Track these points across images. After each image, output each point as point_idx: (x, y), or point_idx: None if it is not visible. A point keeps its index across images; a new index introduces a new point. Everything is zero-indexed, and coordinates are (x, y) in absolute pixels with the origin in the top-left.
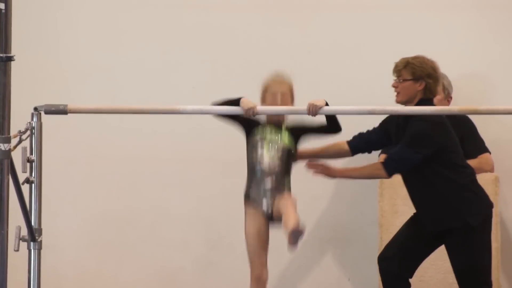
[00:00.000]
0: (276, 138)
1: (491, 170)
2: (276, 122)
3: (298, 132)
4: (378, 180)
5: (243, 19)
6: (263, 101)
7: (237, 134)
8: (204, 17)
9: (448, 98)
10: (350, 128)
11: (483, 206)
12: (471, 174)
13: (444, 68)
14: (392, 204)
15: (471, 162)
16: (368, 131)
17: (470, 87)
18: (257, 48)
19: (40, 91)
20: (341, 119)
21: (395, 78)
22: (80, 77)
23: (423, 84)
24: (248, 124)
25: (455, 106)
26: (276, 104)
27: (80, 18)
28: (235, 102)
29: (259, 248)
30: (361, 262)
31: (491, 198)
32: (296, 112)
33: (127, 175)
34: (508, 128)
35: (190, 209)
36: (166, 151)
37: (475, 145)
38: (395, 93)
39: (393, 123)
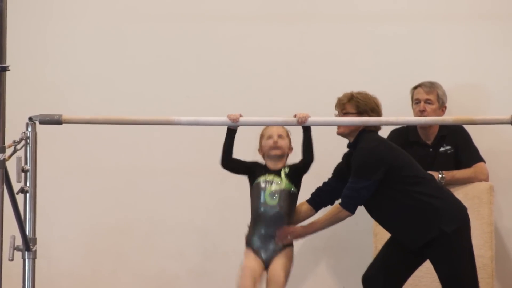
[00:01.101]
0: (276, 182)
1: (486, 179)
2: (275, 165)
3: (294, 172)
4: None
5: (238, 29)
6: (260, 149)
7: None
8: (199, 27)
9: (442, 108)
10: (344, 139)
11: (455, 211)
12: (432, 181)
13: (439, 78)
14: None
15: (466, 172)
16: (324, 183)
17: (465, 97)
18: (251, 57)
19: (35, 101)
20: (335, 129)
21: (337, 112)
22: (75, 88)
23: None
24: (251, 171)
25: (450, 117)
26: (272, 145)
27: (75, 29)
28: (228, 133)
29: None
30: (356, 270)
31: (486, 207)
32: (284, 124)
33: (122, 185)
34: (503, 138)
35: (185, 219)
36: (161, 161)
37: (470, 154)
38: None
39: (344, 164)
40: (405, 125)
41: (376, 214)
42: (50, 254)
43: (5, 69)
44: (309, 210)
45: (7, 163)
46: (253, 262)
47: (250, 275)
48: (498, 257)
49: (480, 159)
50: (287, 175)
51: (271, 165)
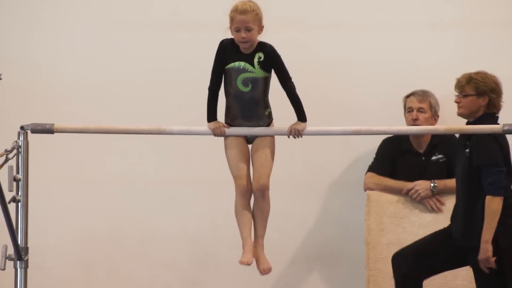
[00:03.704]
0: (248, 69)
1: None
2: (247, 50)
3: (268, 61)
4: (365, 198)
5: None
6: (231, 31)
7: (224, 154)
8: (191, 35)
9: (435, 117)
10: (336, 147)
11: None
12: None
13: (431, 86)
14: (379, 222)
15: None
16: None
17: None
18: None
19: (26, 110)
20: (326, 139)
21: (456, 94)
22: (67, 97)
23: (487, 99)
24: (223, 59)
25: (441, 126)
26: (240, 40)
27: (68, 38)
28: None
29: (241, 163)
30: (348, 280)
31: None
32: (277, 133)
33: (114, 194)
34: None
35: (177, 228)
36: (153, 170)
37: None
38: (458, 107)
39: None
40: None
41: (462, 193)
42: (42, 263)
43: None
44: None
45: None
46: (236, 142)
47: (237, 157)
48: None
49: None
50: (260, 62)
51: (242, 49)
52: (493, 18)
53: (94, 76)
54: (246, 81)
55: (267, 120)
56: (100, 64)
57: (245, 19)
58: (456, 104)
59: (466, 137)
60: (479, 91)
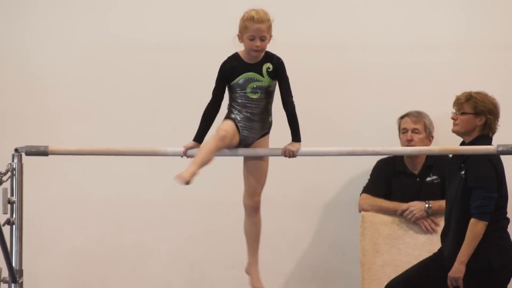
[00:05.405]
0: (258, 79)
1: None
2: (255, 59)
3: (277, 71)
4: (359, 219)
5: (222, 58)
6: (241, 39)
7: (219, 176)
8: (183, 56)
9: (429, 138)
10: (331, 168)
11: (509, 253)
12: (507, 220)
13: (425, 107)
14: (374, 243)
15: None
16: None
17: (452, 126)
18: None
19: (21, 132)
20: (321, 159)
21: (454, 111)
22: (61, 119)
23: (483, 120)
24: (229, 78)
25: (436, 147)
26: (253, 48)
27: (62, 60)
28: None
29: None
30: None
31: None
32: (271, 154)
33: (108, 216)
34: None
35: (172, 249)
36: (148, 192)
37: None
38: (453, 124)
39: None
40: (391, 155)
41: (453, 216)
42: (37, 285)
43: None
44: None
45: None
46: (231, 127)
47: (221, 136)
48: None
49: None
50: (269, 72)
51: (250, 59)
52: (488, 40)
53: (88, 97)
54: (255, 89)
55: (269, 127)
56: (94, 86)
57: (261, 28)
58: (450, 122)
59: (462, 160)
60: (477, 111)
